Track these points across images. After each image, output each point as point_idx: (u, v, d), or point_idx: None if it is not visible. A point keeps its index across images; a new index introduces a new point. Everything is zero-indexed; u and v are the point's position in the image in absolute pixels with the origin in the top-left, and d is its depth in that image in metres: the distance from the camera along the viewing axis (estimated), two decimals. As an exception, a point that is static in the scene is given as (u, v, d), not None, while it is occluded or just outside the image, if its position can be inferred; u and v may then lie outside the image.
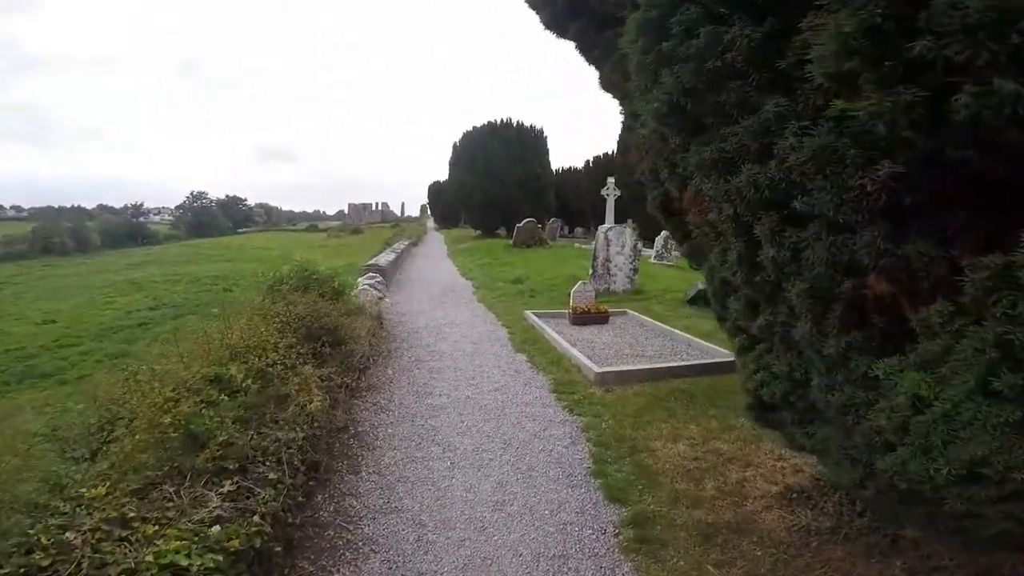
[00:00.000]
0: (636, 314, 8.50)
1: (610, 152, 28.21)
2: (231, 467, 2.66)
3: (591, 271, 10.32)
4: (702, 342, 6.82)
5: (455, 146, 27.69)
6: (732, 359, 6.08)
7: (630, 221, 19.45)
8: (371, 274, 9.82)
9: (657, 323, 7.85)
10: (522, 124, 25.91)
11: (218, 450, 2.68)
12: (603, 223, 20.93)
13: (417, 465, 3.82)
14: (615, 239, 10.43)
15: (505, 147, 24.76)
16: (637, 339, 7.11)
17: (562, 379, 5.45)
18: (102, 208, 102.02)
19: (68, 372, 14.44)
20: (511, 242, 18.95)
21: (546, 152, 26.68)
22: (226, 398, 3.02)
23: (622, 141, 21.74)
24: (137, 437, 2.65)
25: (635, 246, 10.56)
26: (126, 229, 60.01)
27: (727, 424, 4.49)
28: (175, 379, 3.18)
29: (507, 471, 3.76)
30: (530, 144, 25.67)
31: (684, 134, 2.23)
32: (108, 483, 2.37)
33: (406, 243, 20.46)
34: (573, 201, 30.35)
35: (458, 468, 3.78)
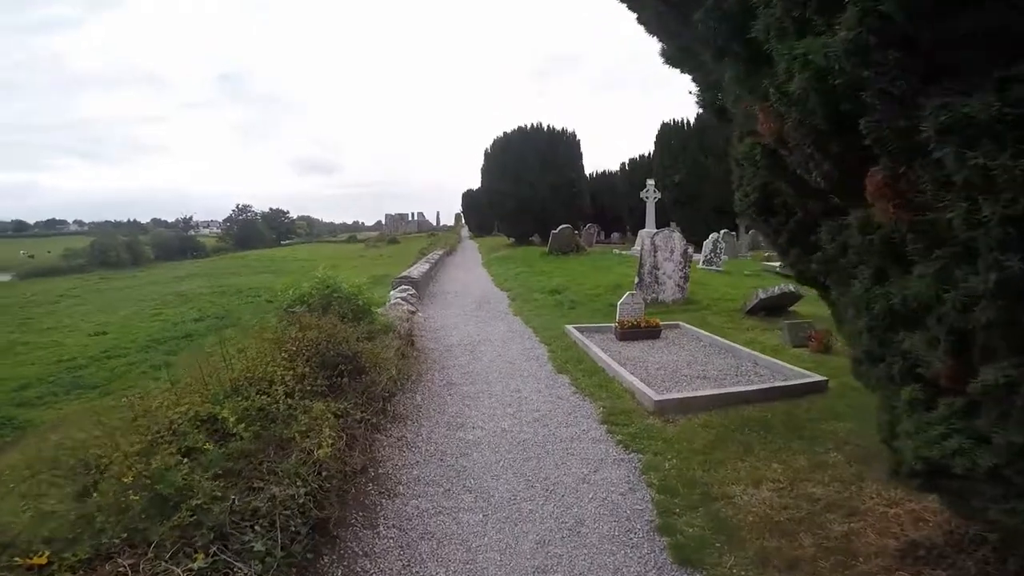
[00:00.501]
0: (690, 327, 7.64)
1: (647, 153, 27.21)
2: (207, 536, 2.10)
3: (637, 280, 9.51)
4: (770, 359, 5.96)
5: (487, 153, 27.29)
6: (810, 380, 5.27)
7: (673, 224, 18.46)
8: (404, 287, 9.34)
9: (715, 337, 6.99)
10: (553, 128, 25.22)
11: (191, 515, 2.12)
12: (642, 227, 20.16)
13: (445, 517, 3.20)
14: (663, 244, 9.59)
15: (536, 152, 24.11)
16: (695, 357, 6.27)
17: (613, 407, 4.71)
18: (156, 222, 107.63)
19: (113, 383, 14.73)
20: (547, 250, 18.24)
21: (580, 156, 25.86)
22: (211, 446, 2.46)
23: (699, 119, 20.68)
24: (95, 496, 2.14)
25: (685, 251, 9.68)
26: (177, 242, 62.77)
27: (817, 461, 3.74)
28: (160, 419, 2.67)
29: (550, 525, 3.10)
30: (563, 148, 24.93)
31: (909, 78, 1.47)
32: (48, 551, 1.88)
33: (440, 252, 20.07)
34: (609, 205, 29.42)
35: (492, 521, 3.15)
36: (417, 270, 11.91)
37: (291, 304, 4.59)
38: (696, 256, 14.41)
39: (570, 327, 7.39)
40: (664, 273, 9.55)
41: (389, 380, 4.40)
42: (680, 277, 9.58)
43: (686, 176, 21.42)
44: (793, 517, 3.07)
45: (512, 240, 26.85)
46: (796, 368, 5.62)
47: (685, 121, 23.31)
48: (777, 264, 15.47)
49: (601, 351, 6.15)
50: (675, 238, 9.71)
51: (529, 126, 25.36)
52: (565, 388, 5.31)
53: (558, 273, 13.71)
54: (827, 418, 4.53)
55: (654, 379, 5.36)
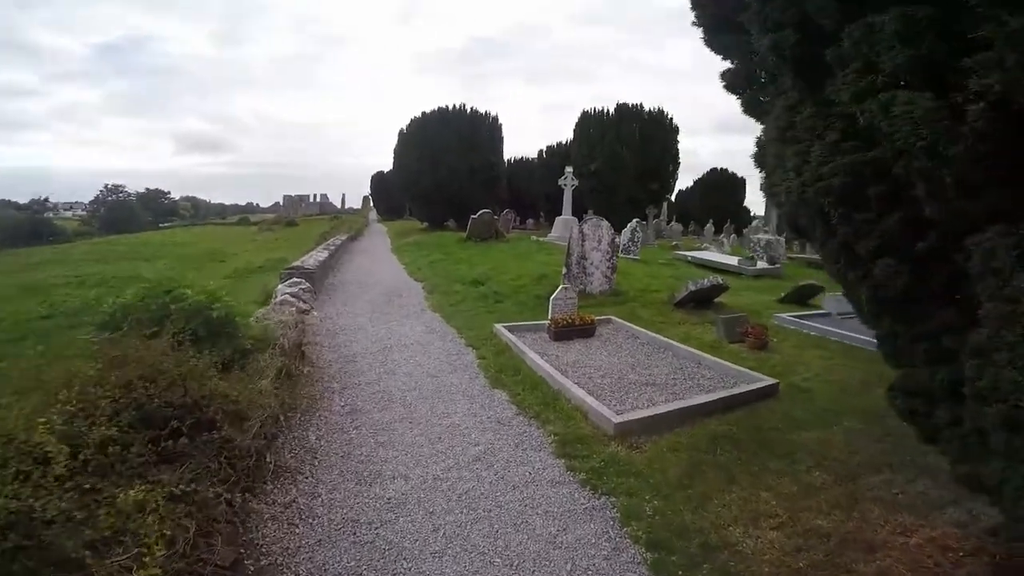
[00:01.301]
0: (623, 322, 7.05)
1: (565, 141, 26.90)
2: None
3: (565, 270, 8.79)
4: (713, 359, 5.50)
5: (401, 133, 25.39)
6: (764, 385, 4.81)
7: (590, 212, 18.18)
8: (295, 280, 7.78)
9: (652, 334, 6.44)
10: (476, 110, 23.95)
11: None
12: (559, 214, 19.75)
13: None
14: (591, 233, 8.94)
15: (457, 134, 22.72)
16: (637, 359, 5.63)
17: (566, 433, 3.87)
18: (5, 204, 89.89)
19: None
20: (465, 235, 17.12)
21: (500, 140, 24.85)
22: None
23: (619, 110, 20.08)
24: None
25: (612, 241, 9.13)
26: (29, 226, 52.62)
27: (804, 483, 3.29)
28: None
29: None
30: (484, 132, 23.78)
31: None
32: None
33: (344, 237, 18.14)
34: (524, 191, 28.86)
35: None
36: (314, 258, 10.18)
37: (107, 322, 3.10)
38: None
39: (500, 327, 6.44)
40: (592, 263, 8.93)
41: (264, 422, 3.15)
42: (607, 268, 9.02)
43: (603, 165, 21.31)
44: (813, 562, 2.62)
45: (426, 224, 25.33)
46: (743, 369, 5.19)
47: (605, 111, 23.22)
48: (688, 253, 15.77)
49: (539, 357, 5.29)
50: (603, 227, 9.11)
51: (451, 107, 23.85)
52: (505, 408, 4.37)
53: (479, 261, 12.70)
54: (791, 427, 4.11)
55: (601, 390, 4.60)
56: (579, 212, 19.34)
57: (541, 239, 18.37)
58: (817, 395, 4.83)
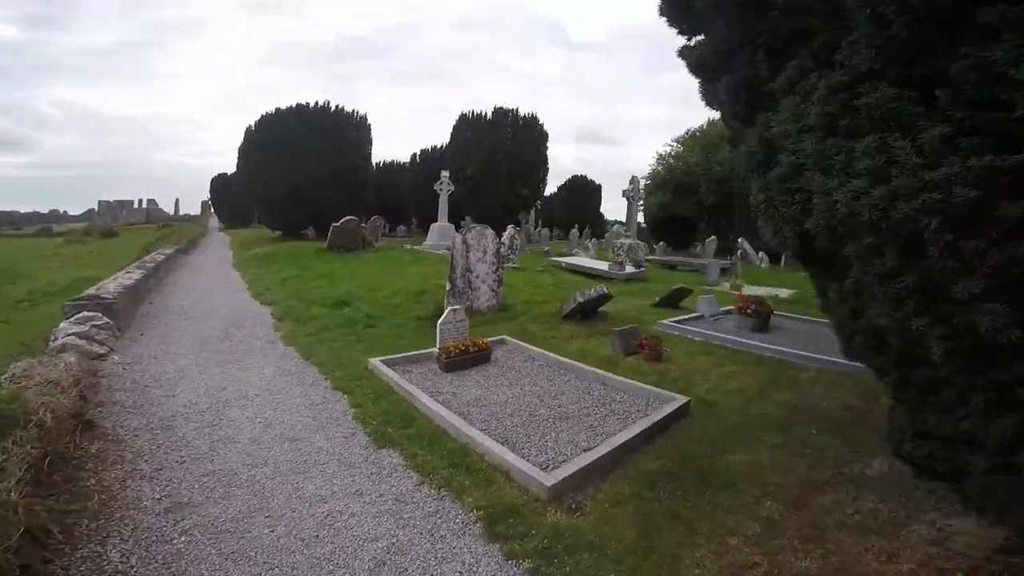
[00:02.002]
0: (517, 342, 6.38)
1: (440, 145, 25.85)
2: None
3: (449, 286, 7.86)
4: (619, 378, 5.09)
5: (249, 131, 22.06)
6: (678, 405, 4.45)
7: (469, 219, 17.51)
8: (87, 314, 5.69)
9: (549, 354, 5.85)
10: (342, 109, 21.69)
11: None
12: (434, 221, 18.76)
13: None
14: (475, 243, 8.15)
15: (319, 134, 20.28)
16: (540, 385, 4.95)
17: (490, 502, 2.98)
18: None
19: None
20: (325, 245, 15.18)
21: (369, 142, 22.86)
22: None
23: (496, 114, 19.24)
24: None
25: (498, 251, 8.44)
26: None
27: (762, 517, 2.95)
28: None
29: None
30: (351, 132, 21.64)
31: None
32: None
33: (172, 250, 14.94)
34: (394, 197, 27.19)
35: None
36: (118, 282, 7.71)
37: None
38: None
39: (377, 362, 5.28)
40: (478, 277, 8.14)
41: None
42: (494, 280, 8.32)
43: (478, 170, 20.76)
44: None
45: (278, 233, 22.34)
46: (649, 387, 4.83)
47: (483, 114, 22.65)
48: (563, 259, 15.92)
49: (433, 399, 4.32)
50: (488, 236, 8.38)
51: (312, 104, 21.22)
52: (403, 477, 3.31)
53: (343, 276, 11.14)
54: (716, 450, 3.78)
55: (515, 434, 3.81)
56: (454, 218, 18.55)
57: (415, 247, 17.16)
58: (724, 408, 4.64)
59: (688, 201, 25.11)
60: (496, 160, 20.70)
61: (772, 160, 2.18)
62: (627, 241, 16.70)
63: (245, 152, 22.28)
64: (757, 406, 4.72)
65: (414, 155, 28.71)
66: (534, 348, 6.08)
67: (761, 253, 19.97)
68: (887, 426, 2.33)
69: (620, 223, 23.20)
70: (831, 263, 2.08)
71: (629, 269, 13.06)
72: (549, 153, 24.14)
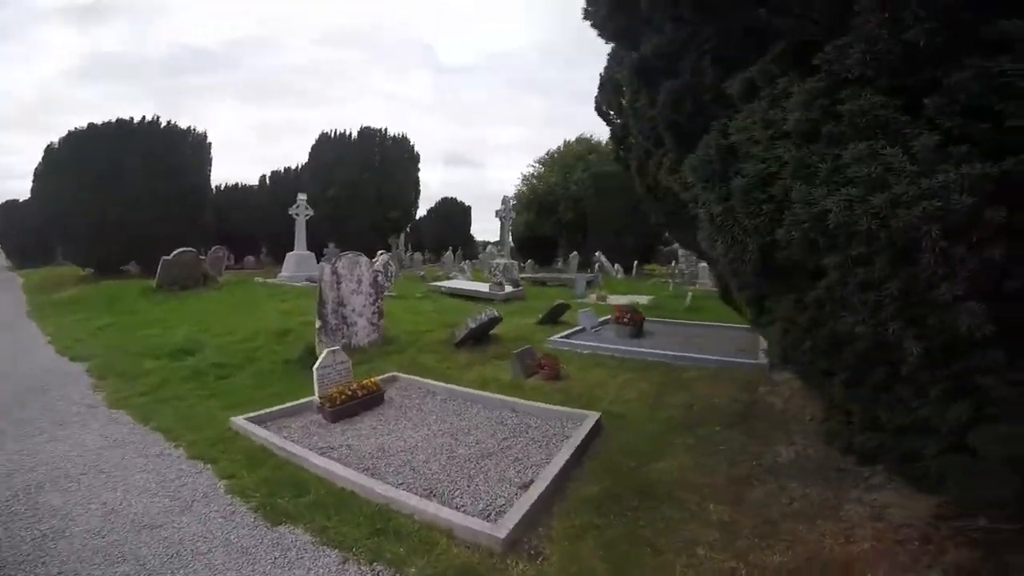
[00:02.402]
0: (410, 377, 5.84)
1: (296, 166, 23.60)
2: None
3: (319, 323, 6.95)
4: (527, 402, 4.95)
5: (50, 149, 17.80)
6: (592, 422, 4.37)
7: (332, 246, 16.11)
8: None
9: (449, 385, 5.45)
10: (175, 125, 18.53)
11: None
12: (290, 249, 16.93)
13: None
14: (347, 273, 7.37)
15: (144, 153, 17.00)
16: (449, 421, 4.51)
17: (435, 569, 2.53)
18: None
19: None
20: (154, 283, 12.69)
21: (208, 163, 19.87)
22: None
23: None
24: None
25: (375, 280, 7.76)
26: None
27: (713, 522, 3.01)
28: None
29: None
30: (186, 151, 18.57)
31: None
32: None
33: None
34: (240, 224, 24.15)
35: None
36: None
37: None
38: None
39: (242, 420, 4.33)
40: (353, 310, 7.36)
41: None
42: (373, 313, 7.61)
43: (341, 191, 19.32)
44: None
45: (89, 271, 18.27)
46: (559, 408, 4.77)
47: (348, 134, 21.13)
48: (442, 283, 15.46)
49: (327, 459, 3.61)
50: (362, 264, 7.66)
51: (136, 119, 17.73)
52: (321, 559, 2.62)
53: (182, 320, 9.36)
54: (642, 462, 3.78)
55: (438, 482, 3.35)
56: (314, 246, 16.98)
57: (269, 280, 15.29)
58: (632, 418, 4.73)
59: (550, 219, 26.58)
60: (363, 182, 19.54)
61: (731, 169, 2.13)
62: (502, 261, 16.94)
63: (43, 175, 17.96)
64: (660, 411, 4.91)
65: (264, 177, 25.97)
66: (431, 382, 5.61)
67: (616, 265, 21.83)
68: (827, 425, 2.43)
69: (493, 243, 23.59)
70: (790, 275, 2.07)
71: (508, 289, 13.16)
72: (419, 175, 23.69)
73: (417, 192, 23.26)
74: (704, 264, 18.44)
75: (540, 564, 2.59)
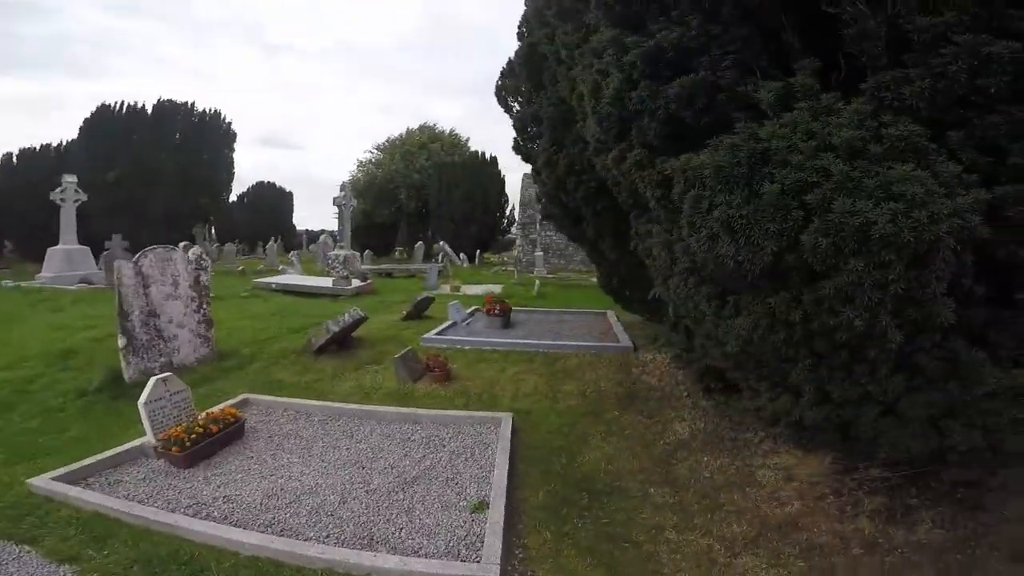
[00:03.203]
0: (270, 398, 4.81)
1: (61, 143, 17.61)
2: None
3: (123, 340, 5.26)
4: (423, 411, 4.56)
5: None
6: (509, 426, 4.16)
7: (118, 238, 12.49)
8: None
9: (324, 403, 4.64)
10: None
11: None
12: (55, 244, 12.75)
13: None
14: (157, 273, 5.74)
15: None
16: (347, 448, 3.78)
17: None
18: None
19: None
20: None
21: None
22: None
23: (159, 107, 13.40)
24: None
25: (198, 279, 6.20)
26: None
27: (665, 505, 3.17)
28: None
29: None
30: None
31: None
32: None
33: None
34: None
35: None
36: None
37: None
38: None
39: (50, 482, 2.96)
40: (170, 320, 5.78)
41: None
42: (198, 321, 6.09)
43: (129, 174, 15.12)
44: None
45: None
46: (467, 412, 4.48)
47: (139, 106, 16.34)
48: (271, 279, 13.30)
49: (217, 524, 2.64)
50: (176, 260, 6.04)
51: None
52: None
53: None
54: (570, 457, 3.84)
55: (375, 526, 2.76)
56: (89, 239, 13.10)
57: (23, 284, 11.32)
58: (539, 413, 4.66)
59: (390, 208, 25.29)
60: (159, 163, 15.62)
61: (759, 173, 2.06)
62: (342, 252, 15.41)
63: None
64: (559, 401, 4.92)
65: (8, 155, 19.01)
66: (300, 400, 4.70)
67: (462, 254, 21.89)
68: (773, 404, 2.60)
69: (329, 233, 21.38)
70: (786, 276, 2.12)
71: (355, 283, 12.00)
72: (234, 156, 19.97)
73: (231, 175, 19.70)
74: (540, 253, 19.62)
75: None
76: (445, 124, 45.85)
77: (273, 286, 12.22)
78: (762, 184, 2.12)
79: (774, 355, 2.40)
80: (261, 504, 2.95)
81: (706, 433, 4.08)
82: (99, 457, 3.32)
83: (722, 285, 2.53)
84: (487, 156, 23.32)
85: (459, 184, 22.44)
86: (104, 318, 7.67)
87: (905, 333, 1.96)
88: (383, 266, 18.16)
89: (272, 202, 28.84)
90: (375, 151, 26.69)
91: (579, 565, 2.54)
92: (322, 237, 19.41)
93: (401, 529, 2.75)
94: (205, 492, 3.07)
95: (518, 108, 4.71)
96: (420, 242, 20.37)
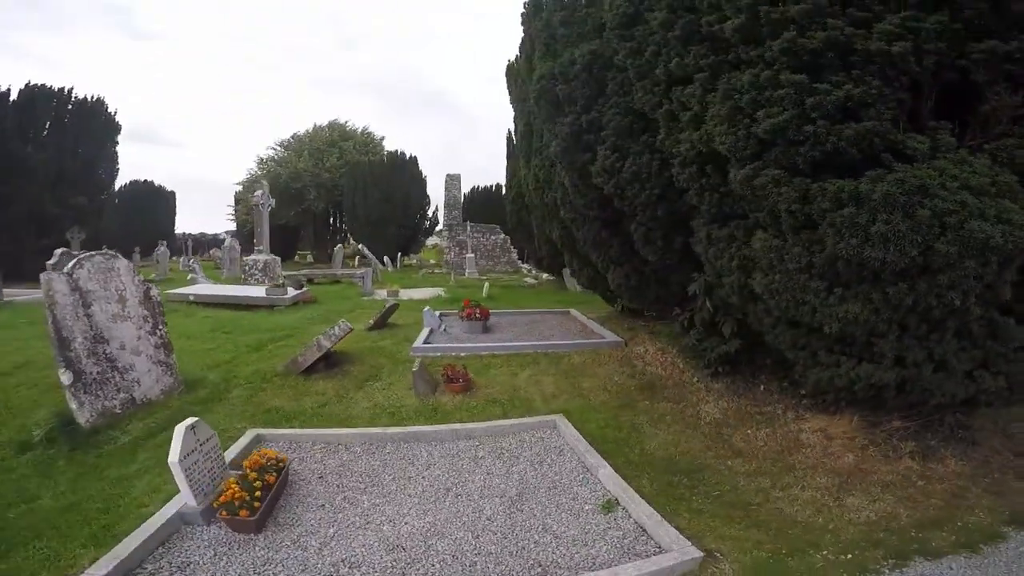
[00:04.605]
0: (279, 431, 4.13)
1: None
2: None
3: (68, 375, 4.08)
4: (479, 425, 4.17)
5: None
6: (566, 425, 3.98)
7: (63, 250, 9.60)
8: None
9: (360, 430, 4.07)
10: None
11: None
12: None
13: None
14: (98, 287, 4.59)
15: None
16: (424, 478, 3.31)
17: None
18: None
19: None
20: None
21: None
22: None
23: (29, 89, 9.72)
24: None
25: (147, 294, 5.06)
26: None
27: (745, 472, 3.05)
28: None
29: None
30: None
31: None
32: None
33: None
34: None
35: None
36: None
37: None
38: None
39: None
40: (123, 346, 4.64)
41: None
42: (156, 346, 4.97)
43: None
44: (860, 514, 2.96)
45: None
46: (518, 420, 4.34)
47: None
48: (190, 291, 11.27)
49: None
50: (120, 269, 4.86)
51: None
52: None
53: None
54: (639, 444, 3.84)
55: (522, 561, 2.43)
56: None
57: None
58: (579, 412, 4.62)
59: (295, 208, 23.08)
60: (24, 156, 12.33)
61: (913, 200, 2.73)
62: (261, 257, 13.71)
63: None
64: (588, 397, 4.97)
65: None
66: (329, 431, 4.06)
67: (386, 258, 20.72)
68: (853, 371, 3.30)
69: (232, 235, 18.80)
70: (905, 272, 2.86)
71: (291, 292, 10.72)
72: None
73: (114, 173, 16.36)
74: (471, 255, 19.30)
75: (733, 565, 2.52)
76: (360, 121, 43.15)
77: (191, 298, 10.44)
78: (914, 209, 2.73)
79: (866, 331, 3.06)
80: (392, 563, 2.45)
81: (734, 411, 4.40)
82: (141, 538, 2.47)
83: (831, 280, 3.10)
84: (407, 155, 22.27)
85: (377, 184, 21.17)
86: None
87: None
88: (303, 272, 16.49)
89: (149, 203, 24.65)
90: (279, 148, 24.08)
91: (733, 530, 2.77)
92: (227, 241, 17.06)
93: (557, 547, 2.55)
94: (312, 561, 2.46)
95: (572, 112, 4.53)
96: (339, 245, 18.87)
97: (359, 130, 25.43)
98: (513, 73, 10.17)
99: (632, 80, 4.00)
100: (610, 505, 2.94)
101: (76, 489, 3.14)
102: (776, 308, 3.47)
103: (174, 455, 2.70)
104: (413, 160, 22.34)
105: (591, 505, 2.98)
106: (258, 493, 2.73)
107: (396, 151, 22.68)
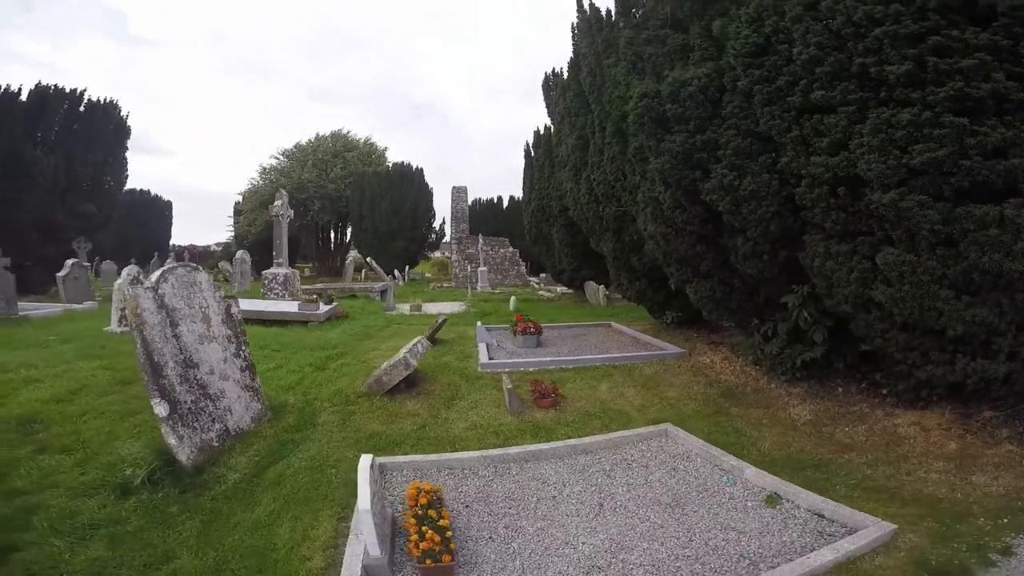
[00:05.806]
0: (398, 459, 3.93)
1: None
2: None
3: (163, 407, 3.76)
4: (593, 439, 3.93)
5: None
6: (682, 433, 3.92)
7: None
8: None
9: (481, 453, 3.89)
10: None
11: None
12: None
13: None
14: (182, 303, 4.30)
15: None
16: (568, 502, 3.14)
17: None
18: None
19: None
20: None
21: None
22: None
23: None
24: None
25: (228, 312, 4.78)
26: None
27: (885, 462, 3.04)
28: None
29: None
30: None
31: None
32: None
33: None
34: None
35: None
36: None
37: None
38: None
39: None
40: (211, 371, 4.34)
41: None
42: (241, 368, 4.67)
43: None
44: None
45: None
46: (628, 432, 4.40)
47: (10, 89, 11.84)
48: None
49: None
50: (201, 283, 4.57)
51: None
52: None
53: None
54: (743, 441, 3.59)
55: (730, 562, 2.32)
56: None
57: None
58: (677, 420, 4.64)
59: (300, 220, 22.56)
60: (32, 160, 11.63)
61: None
62: (282, 271, 13.29)
63: None
64: (676, 406, 5.03)
65: None
66: (454, 455, 3.88)
67: (396, 271, 20.36)
68: (968, 367, 3.46)
69: (242, 249, 18.20)
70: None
71: (324, 307, 10.38)
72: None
73: (123, 180, 15.65)
74: (483, 269, 19.06)
75: (915, 533, 2.65)
76: (362, 132, 42.64)
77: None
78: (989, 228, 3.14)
79: (987, 331, 3.29)
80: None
81: (823, 412, 4.50)
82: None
83: (959, 288, 3.38)
84: (413, 167, 22.01)
85: (385, 195, 20.86)
86: (28, 365, 5.57)
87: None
88: (318, 286, 16.07)
89: (146, 214, 23.78)
90: (281, 158, 23.52)
91: (892, 509, 2.94)
92: (239, 254, 16.52)
93: (749, 540, 2.67)
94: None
95: (682, 131, 4.58)
96: (351, 257, 18.47)
97: (362, 140, 25.10)
98: (553, 87, 10.13)
99: (757, 105, 4.13)
100: (773, 499, 3.05)
101: (211, 543, 2.82)
102: (899, 315, 3.72)
103: (364, 501, 2.44)
104: (420, 171, 22.09)
105: (753, 501, 3.08)
106: (449, 534, 2.52)
107: (402, 162, 22.43)
